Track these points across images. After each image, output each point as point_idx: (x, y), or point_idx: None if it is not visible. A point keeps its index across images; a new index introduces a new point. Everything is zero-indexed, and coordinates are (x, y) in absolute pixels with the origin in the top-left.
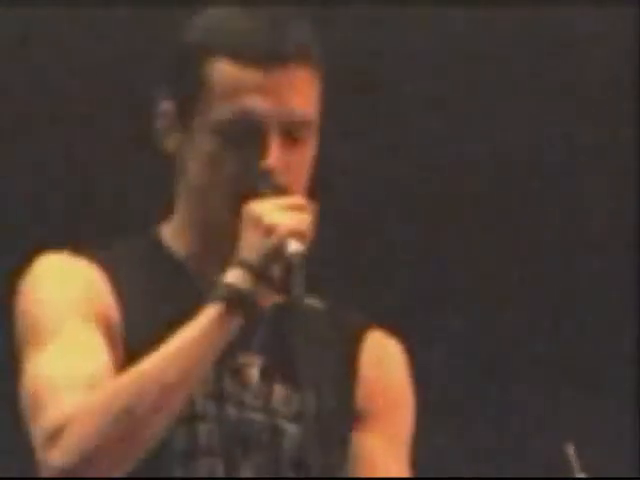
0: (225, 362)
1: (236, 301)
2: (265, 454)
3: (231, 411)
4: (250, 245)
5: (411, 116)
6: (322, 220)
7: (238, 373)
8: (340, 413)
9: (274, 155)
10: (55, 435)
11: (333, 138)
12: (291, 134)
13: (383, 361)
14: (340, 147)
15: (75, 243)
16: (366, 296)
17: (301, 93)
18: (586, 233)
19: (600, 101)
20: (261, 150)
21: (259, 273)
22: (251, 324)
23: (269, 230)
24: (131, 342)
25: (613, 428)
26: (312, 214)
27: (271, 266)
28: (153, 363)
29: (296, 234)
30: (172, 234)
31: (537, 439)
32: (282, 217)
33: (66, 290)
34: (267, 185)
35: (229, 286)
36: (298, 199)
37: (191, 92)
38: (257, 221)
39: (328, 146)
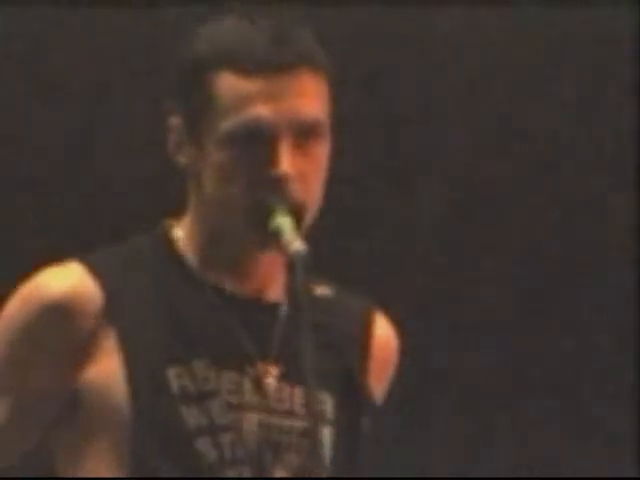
0: (245, 371)
1: None
2: (297, 457)
3: (254, 419)
4: None
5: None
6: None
7: (258, 381)
8: (358, 408)
9: (286, 161)
10: None
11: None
12: (302, 140)
13: (389, 349)
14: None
15: (86, 246)
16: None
17: (307, 96)
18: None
19: (600, 101)
20: (272, 158)
21: None
22: (267, 330)
23: None
24: (133, 354)
25: (613, 429)
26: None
27: None
28: None
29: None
30: (184, 239)
31: (537, 439)
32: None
33: (37, 340)
34: (282, 199)
35: None
36: None
37: (198, 107)
38: None
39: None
